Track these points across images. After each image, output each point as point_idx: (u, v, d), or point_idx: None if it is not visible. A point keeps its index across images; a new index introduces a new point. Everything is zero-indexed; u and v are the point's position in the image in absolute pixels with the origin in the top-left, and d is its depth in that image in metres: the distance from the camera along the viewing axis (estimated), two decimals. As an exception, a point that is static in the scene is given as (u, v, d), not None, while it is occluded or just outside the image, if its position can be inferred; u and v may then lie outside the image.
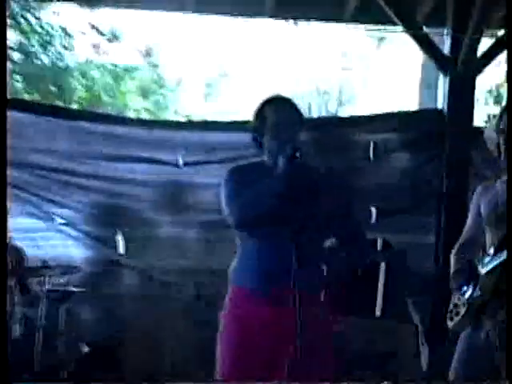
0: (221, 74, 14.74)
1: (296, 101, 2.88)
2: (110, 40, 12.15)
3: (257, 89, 11.89)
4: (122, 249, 5.34)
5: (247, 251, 2.87)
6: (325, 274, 2.82)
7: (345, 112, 14.25)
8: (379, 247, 4.81)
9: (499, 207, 3.12)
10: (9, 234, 4.50)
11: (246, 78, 14.16)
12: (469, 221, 3.33)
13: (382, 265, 4.67)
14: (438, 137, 5.35)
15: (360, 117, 5.71)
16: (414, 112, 6.08)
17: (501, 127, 3.10)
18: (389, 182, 5.32)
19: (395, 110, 6.09)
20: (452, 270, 3.24)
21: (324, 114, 14.38)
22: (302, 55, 13.74)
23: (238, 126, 4.83)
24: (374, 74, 14.12)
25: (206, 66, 14.19)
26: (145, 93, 13.10)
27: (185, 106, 13.77)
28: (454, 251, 3.32)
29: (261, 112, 2.91)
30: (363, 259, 3.12)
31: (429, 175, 5.36)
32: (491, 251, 3.10)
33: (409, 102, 11.25)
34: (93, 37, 12.07)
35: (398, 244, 5.00)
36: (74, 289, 5.02)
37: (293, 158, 2.75)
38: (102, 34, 12.05)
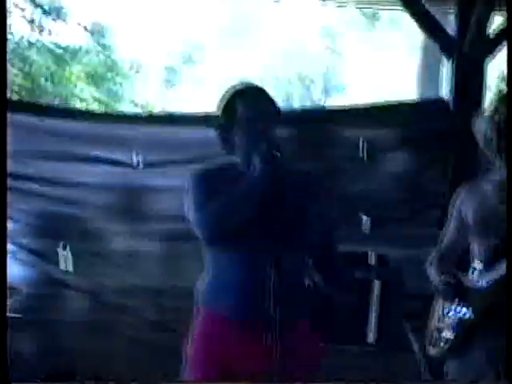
0: (185, 58, 14.68)
1: (275, 89, 2.91)
2: (52, 16, 12.07)
3: (227, 75, 11.85)
4: (67, 266, 5.29)
5: (218, 268, 2.92)
6: (311, 294, 2.93)
7: (332, 102, 14.08)
8: (372, 262, 4.84)
9: (487, 212, 3.12)
10: None
11: (215, 61, 14.14)
12: (450, 228, 3.37)
13: (376, 283, 4.70)
14: (441, 132, 5.35)
15: (350, 108, 5.67)
16: (413, 103, 6.04)
17: (495, 120, 3.08)
18: (384, 187, 5.37)
19: (392, 100, 6.10)
20: (436, 283, 3.26)
21: (308, 104, 14.35)
22: (282, 35, 13.73)
23: (207, 120, 4.81)
24: (367, 57, 14.15)
25: (168, 48, 14.14)
26: (95, 79, 13.01)
27: (143, 95, 13.69)
28: (431, 261, 3.36)
29: (228, 104, 2.93)
30: (333, 281, 3.08)
31: (432, 178, 5.38)
32: (478, 264, 3.13)
33: (407, 90, 11.30)
34: (31, 12, 11.99)
35: (394, 259, 5.01)
36: (11, 314, 4.96)
37: (271, 158, 2.78)
38: (42, 8, 11.97)
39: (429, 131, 5.36)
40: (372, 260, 4.81)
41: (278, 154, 2.76)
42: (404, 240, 5.24)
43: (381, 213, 5.33)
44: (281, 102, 3.01)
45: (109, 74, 13.28)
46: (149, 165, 5.35)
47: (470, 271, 3.20)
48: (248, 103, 2.90)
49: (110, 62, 13.34)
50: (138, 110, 12.52)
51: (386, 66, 13.95)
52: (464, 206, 3.27)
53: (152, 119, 5.80)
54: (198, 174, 2.94)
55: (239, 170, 2.91)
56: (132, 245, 5.27)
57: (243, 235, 2.79)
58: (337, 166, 5.33)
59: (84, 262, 5.30)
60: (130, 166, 5.31)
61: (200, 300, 2.98)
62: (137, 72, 13.74)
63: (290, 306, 2.74)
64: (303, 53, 14.32)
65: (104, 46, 13.18)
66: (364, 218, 5.28)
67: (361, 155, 5.37)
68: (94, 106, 12.33)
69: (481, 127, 3.15)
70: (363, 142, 5.35)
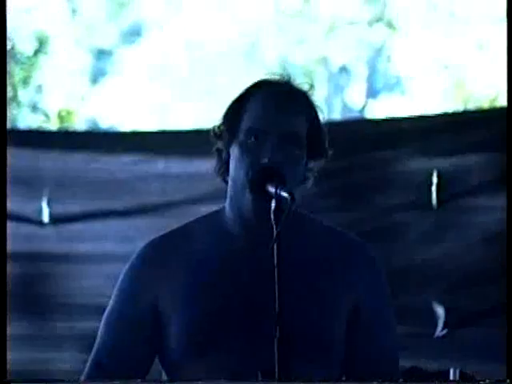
0: (125, 34, 11.20)
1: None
2: None
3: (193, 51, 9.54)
4: None
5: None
6: None
7: (381, 110, 12.10)
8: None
9: None
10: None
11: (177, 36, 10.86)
12: None
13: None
14: None
15: (412, 119, 4.89)
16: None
17: None
18: (470, 255, 4.53)
19: (481, 105, 5.16)
20: None
21: (340, 111, 12.35)
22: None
23: (182, 139, 4.10)
24: (440, 35, 11.39)
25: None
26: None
27: (54, 94, 11.12)
28: None
29: (236, 105, 2.28)
30: None
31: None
32: None
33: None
34: None
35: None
36: None
37: (280, 207, 2.10)
38: None
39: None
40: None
41: (289, 199, 2.08)
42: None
43: (467, 301, 4.55)
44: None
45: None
46: (67, 220, 4.50)
47: None
48: (263, 106, 2.25)
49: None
50: (45, 123, 10.09)
51: (471, 49, 11.04)
52: None
53: (70, 140, 4.85)
54: (148, 248, 2.26)
55: (225, 226, 2.25)
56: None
57: (225, 345, 2.16)
58: (388, 218, 4.63)
59: None
60: (33, 221, 4.50)
61: None
62: (41, 53, 10.42)
63: None
64: (335, 23, 10.89)
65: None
66: (439, 310, 4.44)
67: (429, 200, 4.55)
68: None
69: None
70: (433, 177, 4.50)
